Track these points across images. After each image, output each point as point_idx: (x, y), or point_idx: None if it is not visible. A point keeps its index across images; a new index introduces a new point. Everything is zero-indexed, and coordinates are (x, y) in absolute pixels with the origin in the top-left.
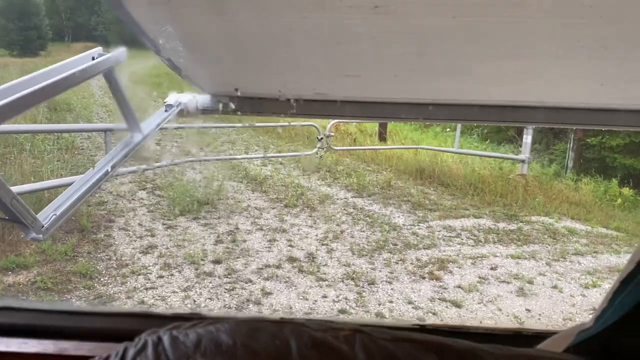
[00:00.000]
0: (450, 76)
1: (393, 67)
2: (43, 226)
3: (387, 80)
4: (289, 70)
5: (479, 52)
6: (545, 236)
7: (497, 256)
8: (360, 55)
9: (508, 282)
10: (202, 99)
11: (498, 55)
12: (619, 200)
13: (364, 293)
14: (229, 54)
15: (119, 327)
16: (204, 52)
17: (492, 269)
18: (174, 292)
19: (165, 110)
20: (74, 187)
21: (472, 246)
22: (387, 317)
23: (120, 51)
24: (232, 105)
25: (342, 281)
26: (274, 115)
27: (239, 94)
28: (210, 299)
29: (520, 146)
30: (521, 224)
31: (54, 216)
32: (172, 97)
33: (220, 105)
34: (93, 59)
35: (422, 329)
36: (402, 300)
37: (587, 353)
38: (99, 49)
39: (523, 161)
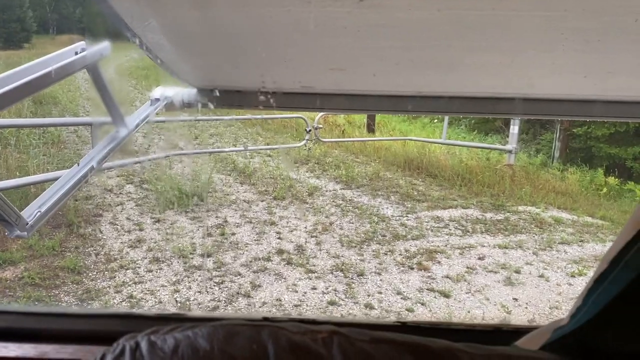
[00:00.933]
0: (435, 69)
1: (378, 60)
2: (27, 223)
3: (372, 73)
4: (273, 63)
5: (463, 45)
6: (532, 226)
7: (484, 246)
8: (345, 48)
9: (495, 272)
10: (187, 92)
11: (482, 48)
12: (605, 190)
13: (353, 284)
14: (213, 48)
15: (101, 329)
16: (188, 46)
17: (479, 259)
18: (162, 286)
19: (151, 104)
20: (59, 184)
21: (460, 236)
22: (376, 307)
23: (104, 45)
24: (211, 104)
25: (332, 273)
26: (259, 109)
27: (217, 93)
28: (199, 292)
29: (508, 136)
30: (508, 214)
31: (39, 213)
32: (158, 91)
33: (206, 100)
34: (76, 53)
35: (404, 326)
36: (391, 291)
37: (563, 350)
38: (82, 44)
39: (510, 151)
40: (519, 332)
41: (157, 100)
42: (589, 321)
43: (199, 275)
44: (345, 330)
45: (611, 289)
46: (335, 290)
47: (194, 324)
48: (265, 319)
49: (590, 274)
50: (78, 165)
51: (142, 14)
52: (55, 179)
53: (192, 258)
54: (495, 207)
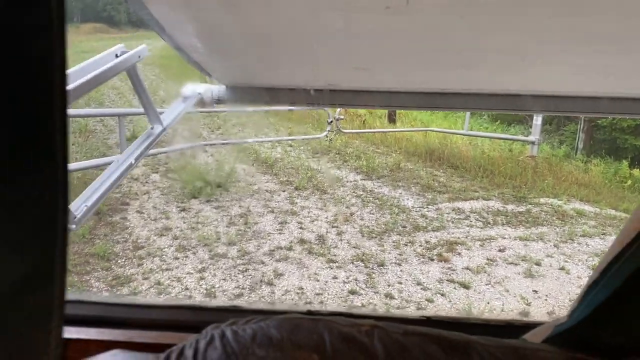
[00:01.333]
0: (459, 69)
1: (402, 61)
2: (75, 217)
3: (396, 73)
4: (302, 63)
5: (486, 47)
6: (554, 218)
7: (505, 238)
8: (370, 49)
9: (516, 264)
10: (217, 89)
11: (506, 50)
12: (629, 182)
13: (373, 274)
14: (244, 49)
15: (175, 318)
16: (220, 47)
17: (500, 250)
18: (189, 273)
19: (183, 101)
20: (101, 179)
21: (481, 228)
22: (397, 297)
23: (141, 48)
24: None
25: (352, 263)
26: (288, 106)
27: (248, 90)
28: (224, 279)
29: (531, 127)
30: (530, 205)
31: (85, 207)
32: (189, 88)
33: (235, 96)
34: (117, 56)
35: (428, 320)
36: (411, 282)
37: (562, 344)
38: (121, 46)
39: (533, 143)
40: (528, 326)
41: (188, 97)
42: (584, 319)
43: (224, 264)
44: (383, 324)
45: (603, 292)
46: (356, 280)
47: (264, 317)
48: (309, 312)
49: None
50: (120, 155)
51: (178, 18)
52: (87, 168)
53: (216, 246)
54: (517, 199)
